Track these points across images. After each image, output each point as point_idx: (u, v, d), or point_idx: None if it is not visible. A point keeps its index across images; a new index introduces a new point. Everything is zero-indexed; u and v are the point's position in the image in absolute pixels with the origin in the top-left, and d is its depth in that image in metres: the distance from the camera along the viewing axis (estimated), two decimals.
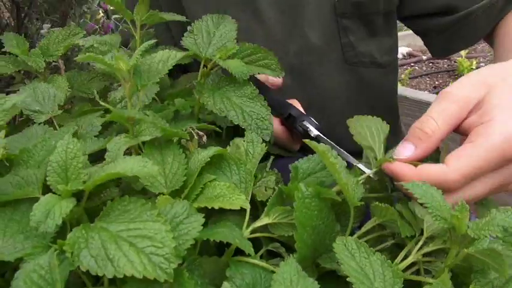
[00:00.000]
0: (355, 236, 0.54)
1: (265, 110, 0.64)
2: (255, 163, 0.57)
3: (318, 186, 0.52)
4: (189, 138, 0.57)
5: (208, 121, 0.71)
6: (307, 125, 0.69)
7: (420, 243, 0.48)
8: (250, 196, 0.53)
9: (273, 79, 0.80)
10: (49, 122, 0.72)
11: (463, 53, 3.65)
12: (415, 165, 0.53)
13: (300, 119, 0.71)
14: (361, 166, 0.56)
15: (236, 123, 0.63)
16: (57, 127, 0.72)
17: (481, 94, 0.54)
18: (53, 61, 1.05)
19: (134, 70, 0.61)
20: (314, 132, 0.68)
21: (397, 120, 1.11)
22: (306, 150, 0.71)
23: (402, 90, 2.62)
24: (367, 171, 0.56)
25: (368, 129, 0.58)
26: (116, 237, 0.42)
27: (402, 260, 0.49)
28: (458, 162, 0.51)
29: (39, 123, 0.68)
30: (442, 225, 0.44)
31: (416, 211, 0.51)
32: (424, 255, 0.49)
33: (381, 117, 1.04)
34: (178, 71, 0.84)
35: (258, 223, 0.52)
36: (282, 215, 0.52)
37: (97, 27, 1.36)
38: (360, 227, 0.56)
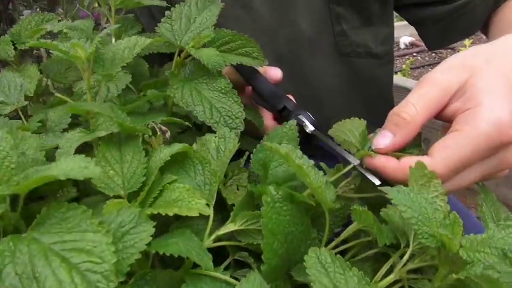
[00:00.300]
0: (334, 243, 0.47)
1: (237, 107, 0.56)
2: (225, 161, 0.49)
3: (289, 189, 0.45)
4: (151, 134, 0.49)
5: (183, 114, 0.63)
6: (302, 120, 0.61)
7: (406, 256, 0.41)
8: (214, 199, 0.45)
9: (271, 72, 0.71)
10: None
11: (467, 42, 3.51)
12: (398, 157, 0.45)
13: (295, 113, 0.63)
14: (361, 170, 0.48)
15: (202, 120, 0.55)
16: (23, 119, 0.64)
17: (463, 78, 0.48)
18: (36, 49, 0.98)
19: (96, 58, 0.54)
20: (309, 127, 0.59)
21: None
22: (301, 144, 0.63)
23: (403, 81, 2.52)
24: (356, 163, 0.48)
25: (350, 133, 0.50)
26: (47, 251, 0.35)
27: (385, 276, 0.41)
28: (444, 154, 0.44)
29: (1, 115, 0.60)
30: (429, 243, 0.36)
31: None
32: (410, 271, 0.41)
33: (376, 111, 0.96)
34: (166, 58, 0.76)
35: (223, 230, 0.44)
36: (250, 220, 0.45)
37: (90, 14, 1.28)
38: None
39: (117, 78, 0.63)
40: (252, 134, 0.68)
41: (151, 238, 0.37)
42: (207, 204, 0.44)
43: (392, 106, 1.01)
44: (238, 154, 0.57)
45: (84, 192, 0.52)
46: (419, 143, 0.48)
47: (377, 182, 0.45)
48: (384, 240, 0.40)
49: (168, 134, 0.49)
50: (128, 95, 0.70)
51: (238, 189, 0.50)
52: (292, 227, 0.44)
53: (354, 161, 0.47)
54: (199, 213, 0.41)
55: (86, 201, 0.51)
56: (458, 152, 0.44)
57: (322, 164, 0.48)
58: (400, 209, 0.37)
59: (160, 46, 0.75)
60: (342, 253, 0.47)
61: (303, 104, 0.85)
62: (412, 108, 0.47)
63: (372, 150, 0.47)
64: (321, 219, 0.47)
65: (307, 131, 0.59)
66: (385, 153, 0.46)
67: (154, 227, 0.40)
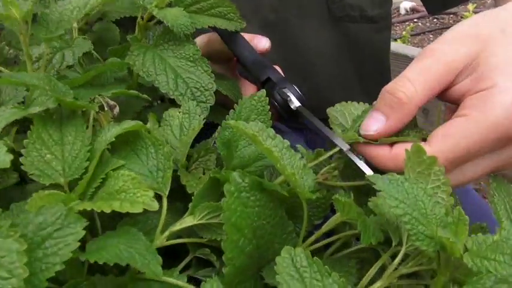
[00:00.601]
0: (313, 237, 0.38)
1: (207, 78, 0.47)
2: (187, 141, 0.40)
3: (259, 170, 0.36)
4: (98, 110, 0.40)
5: (149, 86, 0.54)
6: (288, 94, 0.51)
7: (398, 259, 0.32)
8: (168, 188, 0.36)
9: (258, 42, 0.61)
10: None
11: (470, 7, 3.33)
12: (391, 144, 0.37)
13: (280, 85, 0.53)
14: (350, 156, 0.39)
15: (164, 91, 0.46)
16: None
17: (473, 50, 0.38)
18: None
19: (39, 19, 0.44)
20: (295, 103, 0.49)
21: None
22: (286, 120, 0.54)
23: (403, 48, 2.39)
24: (345, 148, 0.39)
25: (350, 117, 0.41)
26: None
27: (372, 281, 0.33)
28: (445, 143, 0.35)
29: None
30: (425, 247, 0.27)
31: None
32: (402, 276, 0.33)
33: (371, 80, 0.86)
34: None
35: (179, 225, 0.36)
36: (212, 213, 0.36)
37: None
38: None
39: (75, 45, 0.54)
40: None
41: (79, 243, 0.29)
42: (159, 196, 0.35)
43: (388, 75, 0.92)
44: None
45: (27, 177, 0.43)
46: (414, 123, 0.39)
47: (368, 171, 0.36)
48: (368, 239, 0.32)
49: (116, 110, 0.40)
50: (93, 64, 0.61)
51: (204, 174, 0.42)
52: (262, 219, 0.36)
53: (343, 146, 0.38)
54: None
55: (29, 187, 0.43)
56: (463, 143, 0.35)
57: (299, 146, 0.39)
58: (389, 204, 0.29)
59: (132, 8, 0.66)
60: (324, 248, 0.39)
61: (291, 73, 0.75)
62: (410, 87, 0.37)
63: (360, 135, 0.38)
64: (299, 210, 0.39)
65: (291, 107, 0.50)
66: (376, 140, 0.37)
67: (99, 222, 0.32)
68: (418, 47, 2.98)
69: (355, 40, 0.82)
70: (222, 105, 0.56)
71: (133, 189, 0.33)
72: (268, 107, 0.43)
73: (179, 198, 0.42)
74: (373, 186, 0.30)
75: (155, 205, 0.32)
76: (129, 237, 0.33)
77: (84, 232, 0.29)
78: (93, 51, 0.60)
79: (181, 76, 0.47)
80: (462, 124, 0.35)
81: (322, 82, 0.81)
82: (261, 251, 0.37)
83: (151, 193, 0.33)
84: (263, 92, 0.44)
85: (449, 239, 0.26)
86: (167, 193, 0.36)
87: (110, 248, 0.30)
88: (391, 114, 0.37)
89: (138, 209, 0.32)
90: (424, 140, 0.36)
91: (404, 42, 3.02)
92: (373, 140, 0.37)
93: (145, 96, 0.45)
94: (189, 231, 0.37)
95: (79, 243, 0.29)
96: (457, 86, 0.38)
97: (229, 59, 0.61)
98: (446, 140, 0.35)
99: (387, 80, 0.93)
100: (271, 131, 0.36)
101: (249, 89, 0.60)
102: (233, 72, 0.63)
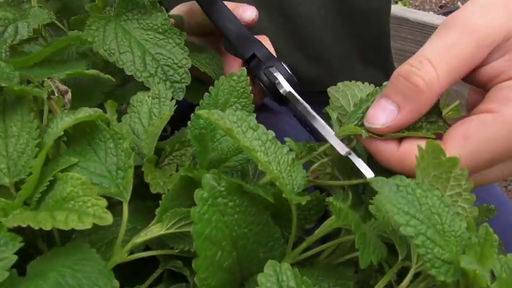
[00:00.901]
0: (304, 244, 0.32)
1: (180, 53, 0.40)
2: (154, 133, 0.34)
3: (239, 163, 0.31)
4: (48, 96, 0.33)
5: None
6: (275, 75, 0.44)
7: (407, 280, 0.26)
8: (130, 192, 0.30)
9: (243, 11, 0.53)
10: None
11: None
12: (399, 138, 0.30)
13: (266, 64, 0.46)
14: (351, 157, 0.32)
15: (131, 74, 0.39)
16: None
17: None
18: None
19: None
20: (285, 87, 0.42)
21: (388, 51, 0.84)
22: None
23: (404, 11, 2.28)
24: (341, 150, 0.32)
25: (353, 100, 0.34)
26: None
27: None
28: (465, 147, 0.29)
29: None
30: (443, 276, 0.22)
31: None
32: None
33: (369, 47, 0.79)
34: None
35: (144, 236, 0.30)
36: (184, 220, 0.30)
37: None
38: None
39: (31, 15, 0.47)
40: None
41: (7, 273, 0.23)
42: (119, 202, 0.29)
43: (388, 41, 0.84)
44: None
45: None
46: (437, 111, 0.31)
47: (370, 173, 0.30)
48: (368, 257, 0.26)
49: (68, 96, 0.33)
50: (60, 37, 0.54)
51: (178, 171, 0.35)
52: (243, 228, 0.30)
53: (341, 150, 0.31)
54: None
55: None
56: (487, 147, 0.28)
57: (288, 139, 0.33)
58: (398, 221, 0.23)
59: None
60: (316, 255, 0.34)
61: (283, 41, 0.68)
62: (430, 70, 0.29)
63: (364, 127, 0.31)
64: (288, 212, 0.33)
65: (280, 91, 0.43)
66: (383, 135, 0.30)
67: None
68: (419, 9, 2.86)
69: (352, 3, 0.74)
70: (202, 82, 0.49)
71: (83, 197, 0.27)
72: (251, 88, 0.36)
73: (150, 196, 0.36)
74: (377, 196, 0.24)
75: (108, 218, 0.26)
76: (78, 256, 0.27)
77: (15, 258, 0.23)
78: (57, 22, 0.53)
79: (149, 52, 0.40)
80: (488, 123, 0.28)
81: (317, 50, 0.74)
82: (244, 263, 0.31)
83: (103, 202, 0.26)
84: (243, 70, 0.37)
85: (476, 270, 0.20)
86: (129, 197, 0.30)
87: (52, 273, 0.25)
88: (405, 104, 0.29)
89: (86, 224, 0.25)
90: (440, 134, 0.30)
91: (405, 5, 2.90)
92: (380, 135, 0.30)
93: (107, 76, 0.38)
94: (158, 240, 0.31)
95: (8, 273, 0.23)
96: (487, 67, 0.30)
97: (213, 32, 0.54)
98: (467, 142, 0.28)
99: (387, 46, 0.85)
100: (252, 120, 0.30)
101: (235, 66, 0.53)
102: (219, 48, 0.56)
